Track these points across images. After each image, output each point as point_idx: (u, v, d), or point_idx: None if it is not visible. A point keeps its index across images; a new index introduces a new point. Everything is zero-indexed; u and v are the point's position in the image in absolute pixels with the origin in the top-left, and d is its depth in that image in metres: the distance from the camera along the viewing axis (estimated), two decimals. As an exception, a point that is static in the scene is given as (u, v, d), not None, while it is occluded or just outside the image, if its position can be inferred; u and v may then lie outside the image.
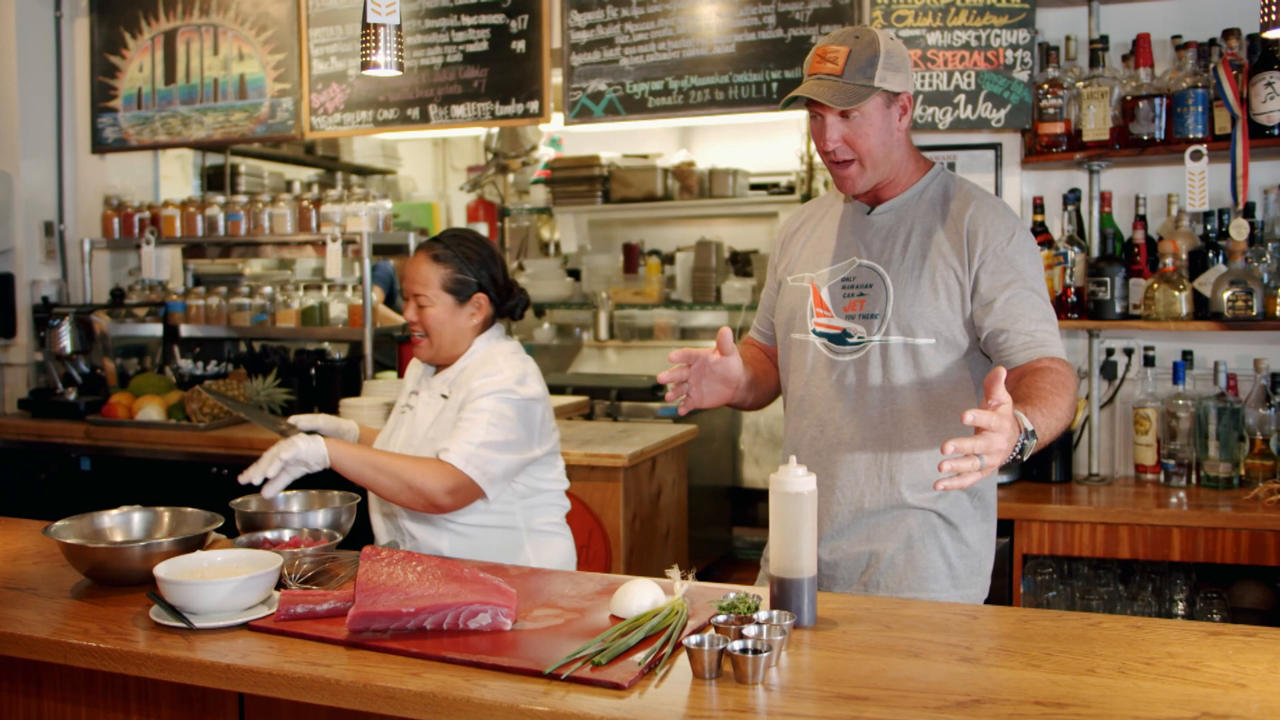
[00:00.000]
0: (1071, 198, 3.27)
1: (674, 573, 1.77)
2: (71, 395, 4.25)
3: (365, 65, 2.80)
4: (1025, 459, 1.75)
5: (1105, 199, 3.27)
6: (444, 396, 2.41)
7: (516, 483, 2.37)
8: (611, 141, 6.32)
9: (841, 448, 2.08)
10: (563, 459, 2.51)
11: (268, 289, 4.59)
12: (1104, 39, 3.22)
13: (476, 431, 2.26)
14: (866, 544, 2.08)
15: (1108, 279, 3.13)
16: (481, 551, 2.34)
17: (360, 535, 2.34)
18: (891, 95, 2.00)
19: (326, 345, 4.74)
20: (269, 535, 2.12)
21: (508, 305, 2.48)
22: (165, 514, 2.22)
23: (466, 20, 4.11)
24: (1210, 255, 3.11)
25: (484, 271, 2.41)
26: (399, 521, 2.40)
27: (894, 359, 2.03)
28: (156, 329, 4.62)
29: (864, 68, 1.96)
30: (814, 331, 2.11)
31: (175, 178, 5.47)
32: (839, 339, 2.08)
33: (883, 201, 2.11)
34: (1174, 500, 2.97)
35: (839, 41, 1.99)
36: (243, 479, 2.13)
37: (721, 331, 2.00)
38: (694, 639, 1.54)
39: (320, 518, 2.22)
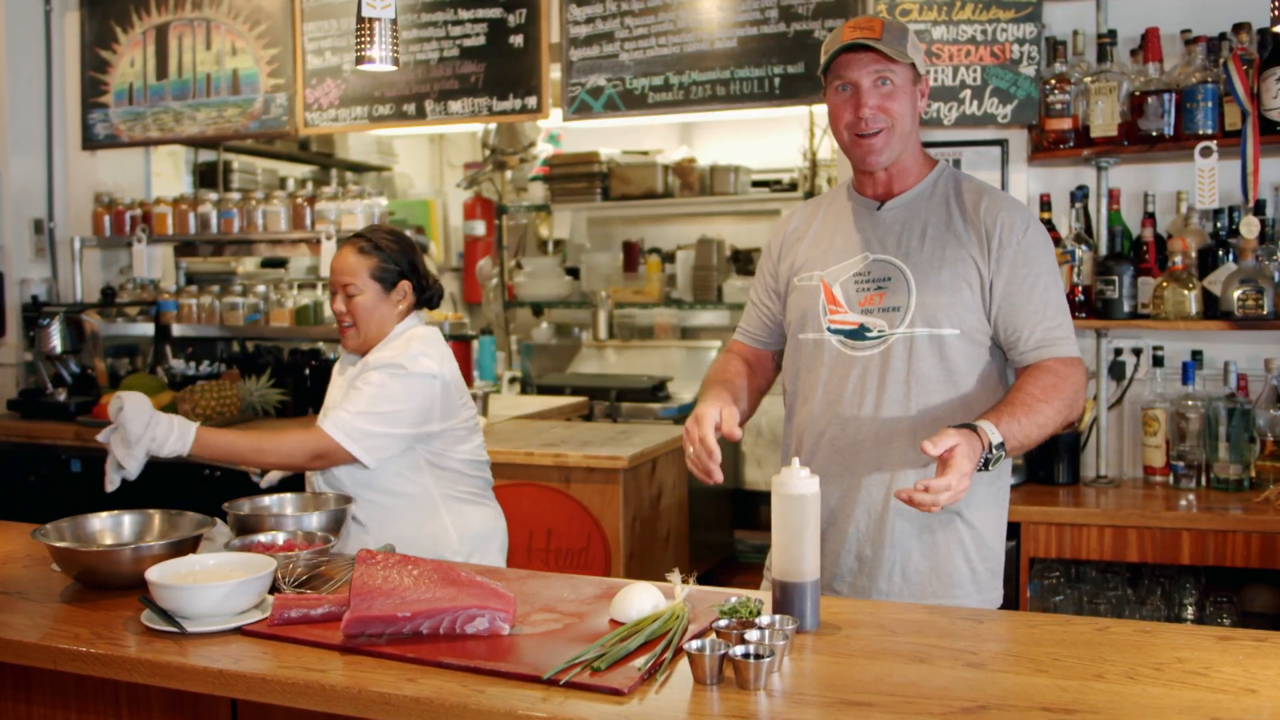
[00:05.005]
0: (1079, 195, 3.24)
1: (674, 576, 1.75)
2: (62, 396, 4.21)
3: (360, 60, 2.77)
4: (991, 469, 1.88)
5: (1113, 196, 3.24)
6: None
7: (421, 454, 2.44)
8: (611, 138, 6.29)
9: (865, 446, 2.05)
10: (482, 434, 2.59)
11: (261, 288, 4.55)
12: (1112, 33, 3.19)
13: (358, 402, 2.36)
14: (889, 548, 2.06)
15: (1116, 277, 3.10)
16: (399, 521, 2.43)
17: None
18: (917, 73, 2.06)
19: (321, 345, 4.70)
20: (262, 538, 2.09)
21: (426, 295, 2.58)
22: (156, 517, 2.20)
23: (463, 14, 4.08)
24: (1220, 253, 3.08)
25: (404, 259, 2.52)
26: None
27: (919, 351, 2.02)
28: (148, 328, 4.58)
29: (899, 37, 2.01)
30: (829, 329, 2.09)
31: (167, 175, 5.43)
32: (856, 334, 2.07)
33: (893, 196, 2.11)
34: (1183, 502, 2.94)
35: (871, 16, 2.07)
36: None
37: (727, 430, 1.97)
38: (695, 644, 1.53)
39: (315, 520, 2.20)
